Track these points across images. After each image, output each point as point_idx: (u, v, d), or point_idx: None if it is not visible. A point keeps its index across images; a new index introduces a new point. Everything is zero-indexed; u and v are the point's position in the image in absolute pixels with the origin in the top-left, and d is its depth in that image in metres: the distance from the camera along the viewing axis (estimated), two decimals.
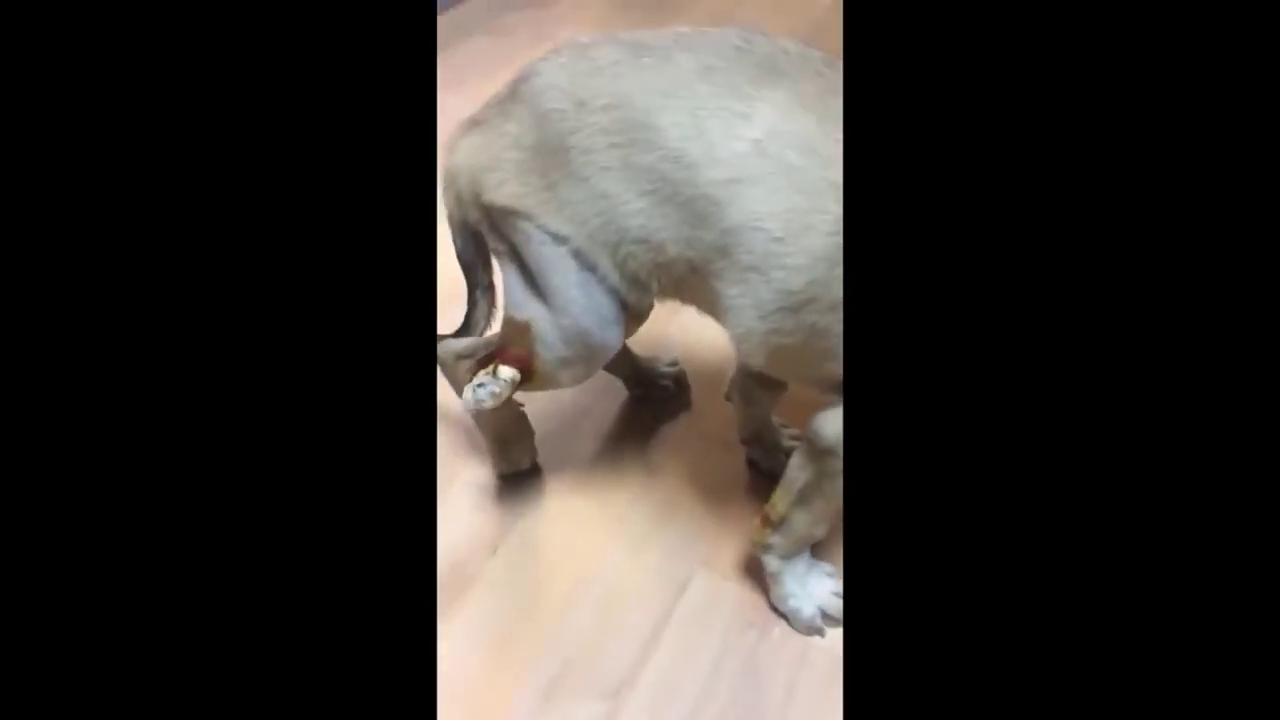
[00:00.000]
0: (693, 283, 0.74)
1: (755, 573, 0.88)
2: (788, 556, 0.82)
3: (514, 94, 0.77)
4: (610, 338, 0.80)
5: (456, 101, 1.18)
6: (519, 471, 0.99)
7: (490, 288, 0.89)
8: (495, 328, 0.89)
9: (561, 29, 1.91)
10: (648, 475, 0.99)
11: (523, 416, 0.97)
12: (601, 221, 0.73)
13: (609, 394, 1.09)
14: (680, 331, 1.17)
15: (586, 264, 0.76)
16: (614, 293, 0.77)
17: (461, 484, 1.00)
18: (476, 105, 0.82)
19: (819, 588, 0.84)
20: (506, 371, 0.81)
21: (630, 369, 1.07)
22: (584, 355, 0.81)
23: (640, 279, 0.76)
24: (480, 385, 0.81)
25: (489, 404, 0.81)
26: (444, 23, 1.95)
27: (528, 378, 0.83)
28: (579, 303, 0.77)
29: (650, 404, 1.08)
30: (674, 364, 1.10)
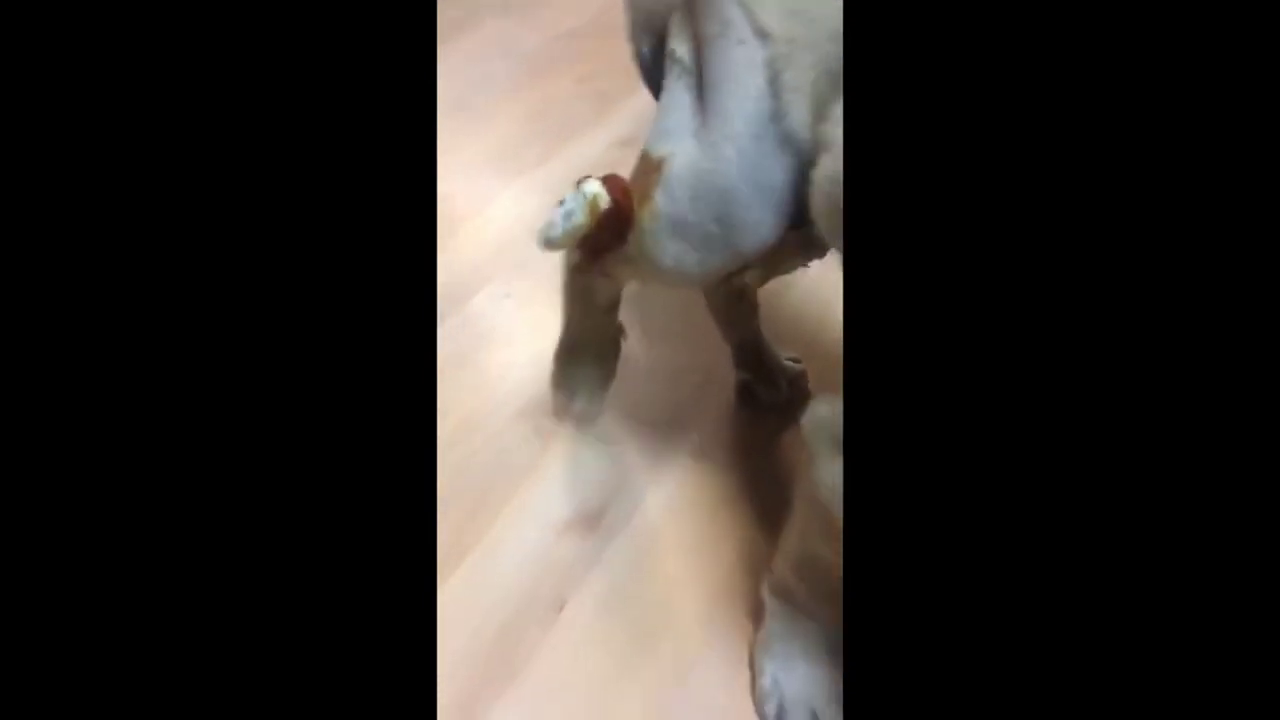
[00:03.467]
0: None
1: None
2: None
3: None
4: (754, 218, 0.55)
5: None
6: (573, 414, 0.75)
7: None
8: None
9: None
10: (763, 529, 0.74)
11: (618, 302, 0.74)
12: (823, 10, 0.51)
13: (709, 401, 0.84)
14: (798, 318, 0.91)
15: (774, 86, 0.52)
16: (789, 145, 0.53)
17: (511, 527, 0.74)
18: None
19: None
20: (592, 185, 0.60)
21: (749, 337, 0.82)
22: (709, 228, 0.56)
23: (820, 105, 0.51)
24: (560, 203, 0.62)
25: (560, 229, 0.61)
26: None
27: (622, 229, 0.61)
28: (742, 139, 0.53)
29: (758, 413, 0.83)
30: (796, 361, 0.85)
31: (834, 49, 0.50)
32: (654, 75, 0.64)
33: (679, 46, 0.58)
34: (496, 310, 0.94)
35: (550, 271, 0.76)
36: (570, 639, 0.65)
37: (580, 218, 0.61)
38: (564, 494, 0.75)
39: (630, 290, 0.73)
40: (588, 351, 0.74)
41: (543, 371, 0.77)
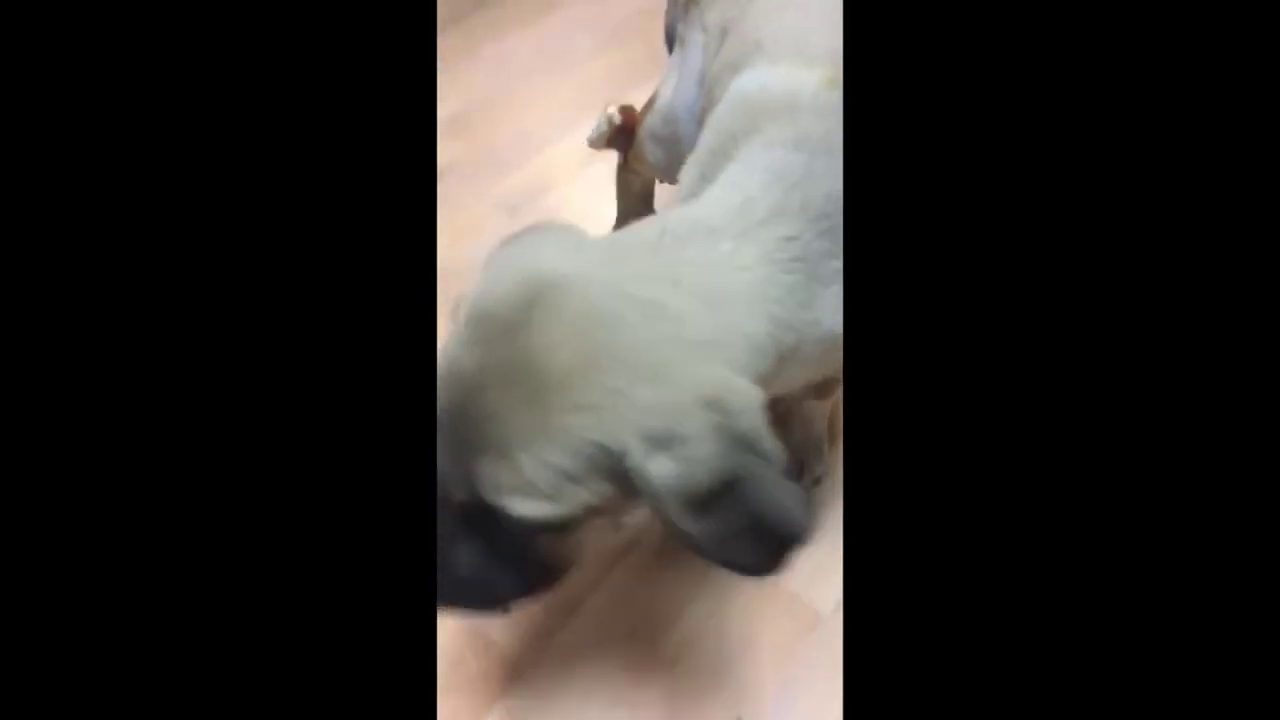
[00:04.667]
0: None
1: None
2: None
3: None
4: (687, 131, 0.93)
5: None
6: None
7: None
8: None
9: None
10: None
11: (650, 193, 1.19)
12: (735, 17, 0.83)
13: None
14: None
15: (705, 55, 0.89)
16: (702, 88, 0.90)
17: None
18: None
19: None
20: (611, 109, 1.10)
21: None
22: (666, 136, 0.98)
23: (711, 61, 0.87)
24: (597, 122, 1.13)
25: (594, 135, 1.12)
26: None
27: (630, 134, 1.07)
28: (687, 81, 0.92)
29: None
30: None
31: (729, 40, 0.84)
32: (671, 39, 1.05)
33: (681, 26, 0.97)
34: (568, 204, 1.34)
35: (602, 179, 1.19)
36: None
37: (604, 128, 1.10)
38: None
39: None
40: (634, 190, 1.20)
41: None
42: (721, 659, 0.87)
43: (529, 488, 0.53)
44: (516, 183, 1.36)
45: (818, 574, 0.92)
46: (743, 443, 0.53)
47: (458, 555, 0.58)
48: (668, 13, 1.08)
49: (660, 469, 0.52)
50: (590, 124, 1.22)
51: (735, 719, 0.83)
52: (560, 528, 0.56)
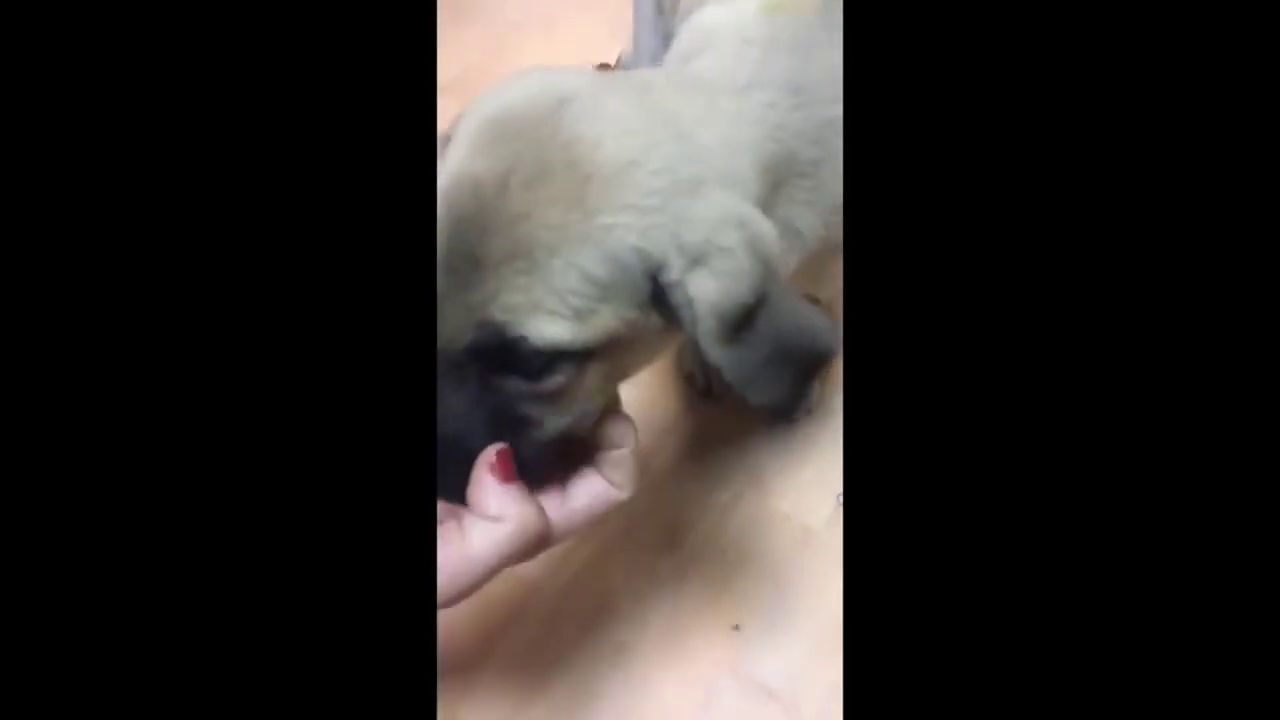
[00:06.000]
0: None
1: None
2: None
3: None
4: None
5: None
6: None
7: None
8: None
9: None
10: None
11: None
12: None
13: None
14: None
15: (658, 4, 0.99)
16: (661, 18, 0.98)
17: None
18: None
19: None
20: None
21: None
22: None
23: None
24: None
25: None
26: None
27: None
28: (642, 29, 0.99)
29: None
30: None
31: None
32: None
33: None
34: None
35: None
36: None
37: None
38: None
39: None
40: None
41: None
42: (721, 575, 0.93)
43: (556, 302, 0.48)
44: None
45: (808, 492, 0.99)
46: (769, 264, 0.52)
47: (447, 408, 0.51)
48: None
49: (701, 285, 0.50)
50: None
51: (734, 626, 0.89)
52: (580, 357, 0.51)
